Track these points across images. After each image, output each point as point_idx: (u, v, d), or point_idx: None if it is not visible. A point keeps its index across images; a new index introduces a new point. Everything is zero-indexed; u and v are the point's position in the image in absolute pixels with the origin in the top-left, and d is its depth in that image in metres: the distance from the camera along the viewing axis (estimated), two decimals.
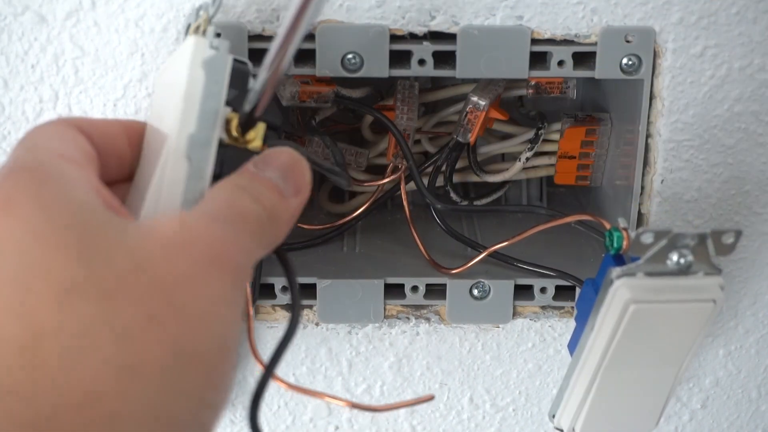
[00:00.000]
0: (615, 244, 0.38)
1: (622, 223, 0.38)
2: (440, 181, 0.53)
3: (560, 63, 0.44)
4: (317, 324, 0.50)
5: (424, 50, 0.43)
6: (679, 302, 0.38)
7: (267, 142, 0.32)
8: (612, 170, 0.52)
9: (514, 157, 0.54)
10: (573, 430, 0.42)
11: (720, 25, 0.43)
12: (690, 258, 0.37)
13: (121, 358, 0.24)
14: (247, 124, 0.32)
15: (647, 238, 0.37)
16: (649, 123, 0.46)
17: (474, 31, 0.43)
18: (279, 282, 0.48)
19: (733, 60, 0.44)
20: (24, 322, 0.24)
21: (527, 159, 0.53)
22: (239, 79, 0.32)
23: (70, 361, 0.24)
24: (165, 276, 0.26)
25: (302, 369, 0.51)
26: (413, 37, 0.44)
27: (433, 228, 0.52)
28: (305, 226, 0.53)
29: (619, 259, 0.39)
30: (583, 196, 0.58)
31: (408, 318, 0.50)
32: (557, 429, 0.43)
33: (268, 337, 0.50)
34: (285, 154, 0.32)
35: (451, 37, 0.43)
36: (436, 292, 0.49)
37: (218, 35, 0.40)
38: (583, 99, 0.57)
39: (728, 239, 0.38)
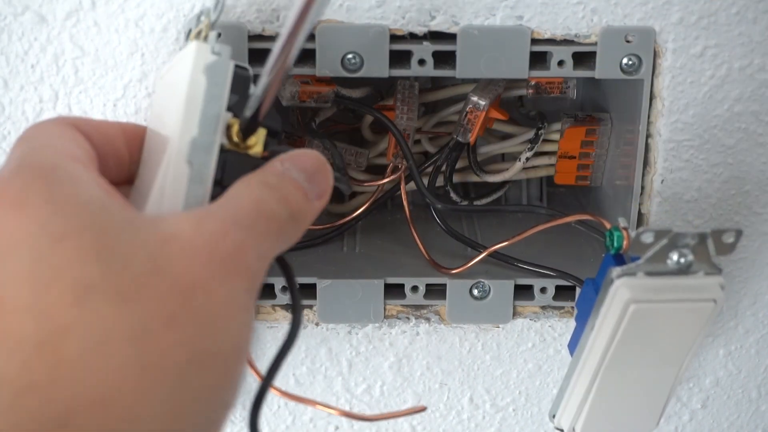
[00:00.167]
0: (615, 244, 0.38)
1: (622, 222, 0.38)
2: (440, 181, 0.53)
3: (560, 63, 0.44)
4: (317, 324, 0.50)
5: (424, 50, 0.43)
6: (680, 302, 0.38)
7: (267, 147, 0.33)
8: (612, 170, 0.52)
9: (514, 157, 0.54)
10: (573, 430, 0.42)
11: (720, 25, 0.43)
12: (690, 257, 0.37)
13: (140, 358, 0.24)
14: (247, 130, 0.32)
15: (647, 238, 0.37)
16: (649, 123, 0.46)
17: (474, 31, 0.43)
18: (279, 282, 0.48)
19: (733, 60, 0.44)
20: (42, 320, 0.24)
21: (527, 159, 0.53)
22: (240, 84, 0.32)
23: (89, 360, 0.24)
24: (182, 278, 0.26)
25: (302, 369, 0.51)
26: (413, 37, 0.44)
27: (433, 228, 0.52)
28: None
29: (619, 259, 0.39)
30: (583, 196, 0.58)
31: (408, 318, 0.50)
32: (557, 429, 0.43)
33: (268, 337, 0.50)
34: (312, 157, 0.32)
35: (451, 37, 0.43)
36: (436, 292, 0.49)
37: (219, 35, 0.40)
38: (583, 99, 0.57)
39: (729, 239, 0.37)
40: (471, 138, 0.51)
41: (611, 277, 0.38)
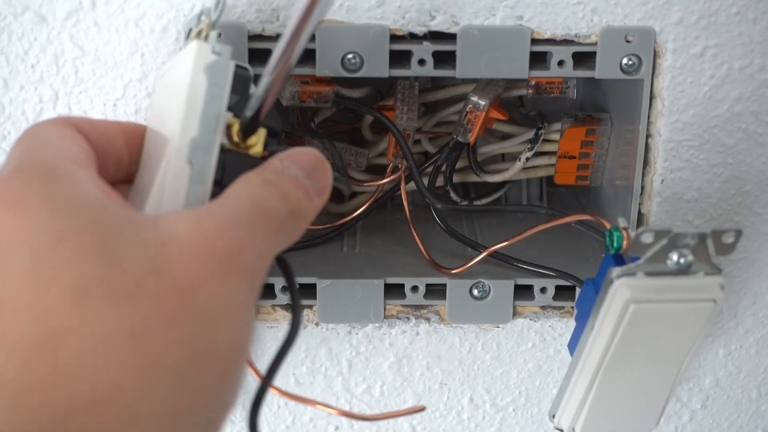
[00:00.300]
0: (615, 244, 0.38)
1: (622, 222, 0.38)
2: (440, 181, 0.53)
3: (560, 63, 0.44)
4: (317, 324, 0.50)
5: (424, 50, 0.43)
6: (680, 302, 0.38)
7: (267, 147, 0.33)
8: (612, 170, 0.52)
9: (514, 157, 0.54)
10: (573, 430, 0.42)
11: (720, 25, 0.43)
12: (690, 258, 0.37)
13: (139, 358, 0.24)
14: (248, 130, 0.32)
15: (647, 238, 0.37)
16: (649, 123, 0.46)
17: (474, 31, 0.43)
18: (279, 282, 0.48)
19: (733, 60, 0.44)
20: (42, 321, 0.24)
21: (527, 159, 0.53)
22: (240, 84, 0.32)
23: (88, 360, 0.24)
24: (182, 278, 0.26)
25: (302, 369, 0.51)
26: (413, 37, 0.44)
27: (433, 228, 0.52)
28: None
29: (619, 259, 0.39)
30: (583, 196, 0.58)
31: (408, 318, 0.50)
32: (557, 429, 0.43)
33: (268, 337, 0.50)
34: (310, 154, 0.32)
35: (451, 37, 0.43)
36: (436, 292, 0.49)
37: (219, 35, 0.40)
38: (583, 99, 0.57)
39: (728, 239, 0.37)
40: (471, 138, 0.51)
41: (611, 277, 0.38)
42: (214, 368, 0.26)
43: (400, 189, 0.52)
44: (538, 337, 0.51)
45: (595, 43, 0.44)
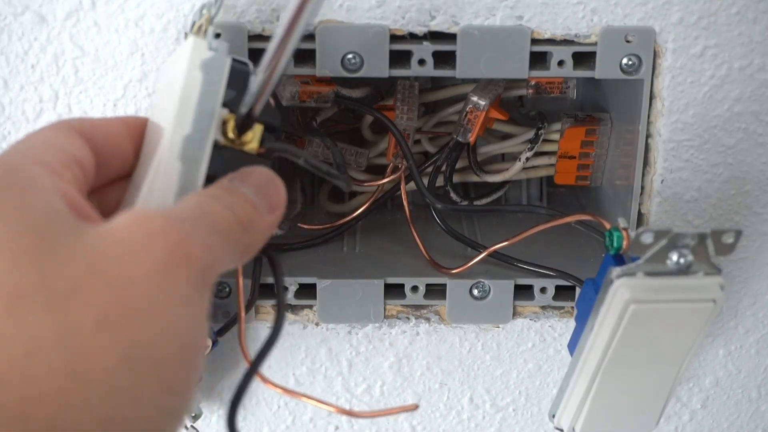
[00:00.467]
0: (615, 244, 0.38)
1: (622, 223, 0.38)
2: (440, 181, 0.53)
3: (560, 63, 0.44)
4: (317, 324, 0.50)
5: (424, 50, 0.43)
6: (679, 302, 0.38)
7: (264, 144, 0.32)
8: (612, 170, 0.52)
9: (514, 157, 0.54)
10: (573, 430, 0.42)
11: (720, 25, 0.43)
12: (690, 258, 0.37)
13: (66, 364, 0.24)
14: (244, 126, 0.32)
15: (647, 238, 0.37)
16: (649, 123, 0.46)
17: (474, 31, 0.43)
18: None
19: (733, 60, 0.44)
20: None
21: (527, 159, 0.53)
22: (239, 79, 0.32)
23: (16, 370, 0.23)
24: (119, 276, 0.25)
25: (302, 369, 0.51)
26: (413, 37, 0.44)
27: (433, 228, 0.52)
28: (305, 226, 0.53)
29: (619, 259, 0.39)
30: (583, 196, 0.58)
31: (408, 318, 0.50)
32: (557, 429, 0.43)
33: None
34: (259, 172, 0.32)
35: (451, 37, 0.43)
36: (436, 292, 0.49)
37: (218, 36, 0.40)
38: (583, 99, 0.57)
39: (728, 239, 0.37)
40: (471, 138, 0.50)
41: (611, 277, 0.38)
42: (151, 373, 0.25)
43: (400, 189, 0.52)
44: (538, 337, 0.51)
45: (595, 43, 0.44)
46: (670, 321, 0.38)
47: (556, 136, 0.53)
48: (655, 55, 0.44)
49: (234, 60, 0.32)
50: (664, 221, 0.47)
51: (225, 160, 0.32)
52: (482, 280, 0.48)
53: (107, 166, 0.32)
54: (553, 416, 0.43)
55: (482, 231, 0.55)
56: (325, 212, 0.56)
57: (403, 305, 0.49)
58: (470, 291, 0.48)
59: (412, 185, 0.52)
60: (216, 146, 0.32)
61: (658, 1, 0.43)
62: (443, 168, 0.53)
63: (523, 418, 0.54)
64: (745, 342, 0.52)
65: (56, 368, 0.23)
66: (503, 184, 0.56)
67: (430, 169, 0.53)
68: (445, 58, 0.44)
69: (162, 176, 0.31)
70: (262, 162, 0.32)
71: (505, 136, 0.55)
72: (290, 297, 0.48)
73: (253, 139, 0.32)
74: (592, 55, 0.44)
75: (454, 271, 0.49)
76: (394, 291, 0.49)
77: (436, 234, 0.52)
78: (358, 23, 0.43)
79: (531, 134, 0.53)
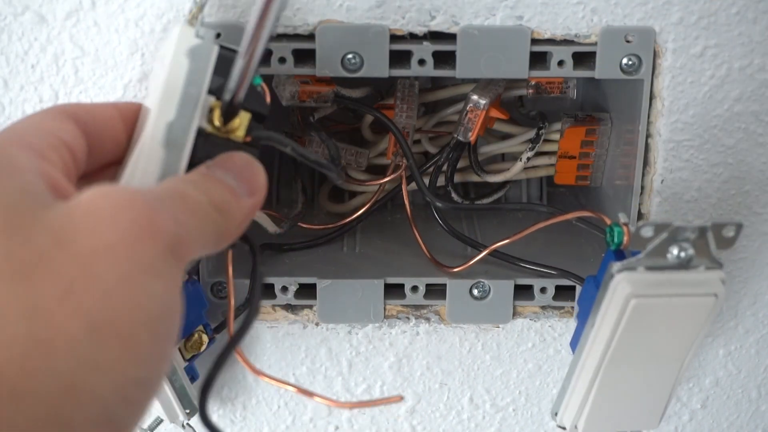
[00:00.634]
0: (616, 239, 0.38)
1: (622, 218, 0.38)
2: (441, 181, 0.53)
3: (560, 63, 0.44)
4: (317, 324, 0.50)
5: (424, 50, 0.43)
6: (680, 296, 0.38)
7: (251, 132, 0.32)
8: (612, 170, 0.52)
9: (514, 157, 0.54)
10: (575, 427, 0.42)
11: (720, 25, 0.43)
12: (690, 252, 0.37)
13: (32, 334, 0.24)
14: (230, 113, 0.32)
15: (647, 232, 0.37)
16: (649, 123, 0.46)
17: (474, 31, 0.43)
18: (279, 282, 0.48)
19: (733, 60, 0.44)
20: None
21: (528, 159, 0.53)
22: (226, 66, 0.32)
23: None
24: (85, 247, 0.25)
25: (302, 369, 0.51)
26: (413, 37, 0.44)
27: (432, 228, 0.52)
28: (305, 226, 0.53)
29: (619, 255, 0.39)
30: (583, 196, 0.58)
31: (408, 318, 0.50)
32: (559, 427, 0.43)
33: (268, 336, 0.50)
34: (237, 157, 0.32)
35: (451, 37, 0.43)
36: (436, 292, 0.49)
37: (219, 35, 0.40)
38: (583, 99, 0.57)
39: (729, 232, 0.37)
40: (472, 137, 0.50)
41: (611, 272, 0.38)
42: (115, 342, 0.25)
43: (400, 190, 0.52)
44: (538, 337, 0.51)
45: (595, 43, 0.44)
46: (672, 315, 0.38)
47: (556, 136, 0.53)
48: (655, 55, 0.44)
49: (222, 47, 0.32)
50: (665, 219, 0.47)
51: (211, 148, 0.32)
52: (482, 280, 0.48)
53: (99, 150, 0.32)
54: (556, 414, 0.43)
55: (482, 231, 0.55)
56: (325, 212, 0.56)
57: (403, 305, 0.49)
58: (470, 291, 0.48)
59: (412, 185, 0.52)
60: (202, 134, 0.32)
61: (658, 1, 0.43)
62: (444, 167, 0.53)
63: (523, 418, 0.54)
64: (745, 342, 0.52)
65: (20, 337, 0.24)
66: (504, 184, 0.56)
67: (431, 169, 0.53)
68: (445, 58, 0.44)
69: (144, 161, 0.31)
70: (248, 150, 0.32)
71: (506, 136, 0.55)
72: (290, 297, 0.48)
73: (239, 126, 0.32)
74: (592, 55, 0.44)
75: (454, 270, 0.49)
76: (394, 291, 0.49)
77: (436, 234, 0.52)
78: (358, 23, 0.43)
79: (531, 134, 0.53)
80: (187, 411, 0.46)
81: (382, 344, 0.51)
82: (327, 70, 0.43)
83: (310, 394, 0.37)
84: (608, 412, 0.41)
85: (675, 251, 0.37)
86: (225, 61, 0.32)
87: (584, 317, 0.40)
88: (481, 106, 0.50)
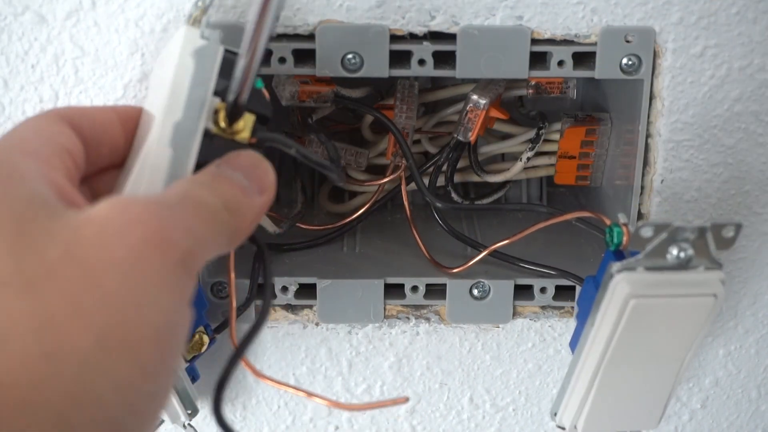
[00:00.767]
0: (615, 240, 0.38)
1: (622, 218, 0.38)
2: (441, 181, 0.53)
3: (560, 63, 0.44)
4: (317, 324, 0.50)
5: (424, 50, 0.43)
6: (680, 296, 0.38)
7: (256, 134, 0.33)
8: (612, 170, 0.52)
9: (514, 157, 0.54)
10: (575, 427, 0.42)
11: (720, 25, 0.43)
12: (690, 252, 0.37)
13: (41, 347, 0.24)
14: (234, 115, 0.32)
15: (647, 232, 0.37)
16: (649, 123, 0.46)
17: (474, 31, 0.43)
18: (279, 282, 0.48)
19: (733, 60, 0.44)
20: None
21: (528, 159, 0.53)
22: (230, 69, 0.32)
23: None
24: (96, 261, 0.25)
25: (302, 369, 0.51)
26: (413, 37, 0.44)
27: (432, 228, 0.52)
28: (305, 226, 0.53)
29: (619, 255, 0.39)
30: (583, 196, 0.58)
31: (408, 318, 0.50)
32: (559, 427, 0.43)
33: (269, 336, 0.50)
34: (246, 155, 0.32)
35: (451, 37, 0.43)
36: (436, 292, 0.49)
37: (215, 30, 0.40)
38: (583, 99, 0.57)
39: (728, 233, 0.37)
40: (471, 137, 0.50)
41: (611, 272, 0.38)
42: (128, 356, 0.25)
43: (400, 190, 0.52)
44: (538, 337, 0.51)
45: (595, 43, 0.44)
46: (671, 316, 0.38)
47: (556, 136, 0.53)
48: (655, 55, 0.44)
49: (227, 50, 0.32)
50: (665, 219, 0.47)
51: (216, 149, 0.32)
52: (482, 280, 0.48)
53: (97, 153, 0.32)
54: (555, 414, 0.43)
55: (482, 231, 0.55)
56: (325, 212, 0.56)
57: (403, 305, 0.49)
58: (470, 291, 0.48)
59: (412, 185, 0.52)
60: (207, 135, 0.32)
61: (658, 1, 0.43)
62: (444, 168, 0.53)
63: (523, 418, 0.54)
64: (745, 342, 0.52)
65: (30, 351, 0.24)
66: (504, 184, 0.56)
67: (431, 169, 0.53)
68: (445, 58, 0.44)
69: (151, 163, 0.31)
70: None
71: (506, 136, 0.55)
72: (290, 297, 0.48)
73: (244, 128, 0.32)
74: (592, 55, 0.44)
75: (454, 270, 0.49)
76: (394, 291, 0.49)
77: (436, 234, 0.52)
78: (358, 23, 0.43)
79: (531, 134, 0.53)
80: (189, 411, 0.46)
81: (382, 344, 0.51)
82: (327, 70, 0.43)
83: (327, 401, 0.38)
84: (607, 412, 0.41)
85: (674, 251, 0.37)
86: (229, 64, 0.32)
87: (583, 317, 0.40)
88: (481, 106, 0.50)
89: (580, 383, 0.41)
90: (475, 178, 0.55)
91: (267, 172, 0.32)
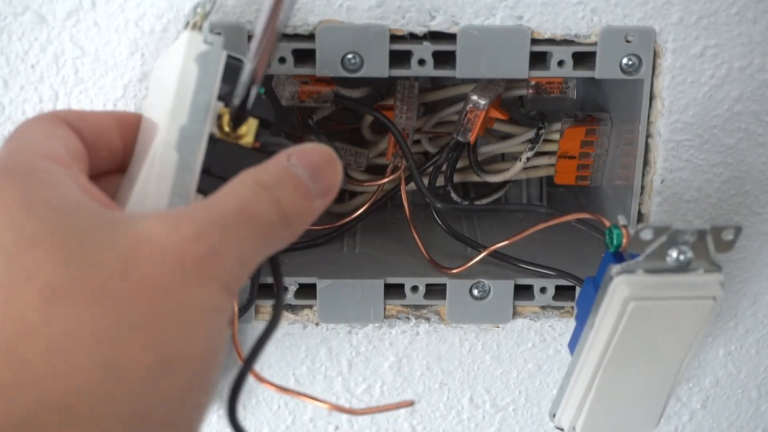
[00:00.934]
0: (615, 242, 0.38)
1: (621, 220, 0.38)
2: (440, 181, 0.53)
3: (560, 63, 0.44)
4: (317, 324, 0.50)
5: (424, 50, 0.43)
6: (679, 299, 0.38)
7: (259, 138, 0.33)
8: (612, 170, 0.52)
9: (514, 157, 0.54)
10: (573, 429, 0.42)
11: (720, 25, 0.43)
12: (689, 254, 0.37)
13: (104, 360, 0.24)
14: (238, 119, 0.32)
15: (646, 235, 0.37)
16: (649, 123, 0.46)
17: (474, 31, 0.43)
18: None
19: (733, 60, 0.44)
20: (11, 323, 0.24)
21: (528, 159, 0.53)
22: (233, 74, 0.32)
23: (54, 361, 0.24)
24: (152, 282, 0.26)
25: (302, 369, 0.51)
26: (413, 37, 0.44)
27: (433, 228, 0.52)
28: None
29: (618, 257, 0.39)
30: (583, 196, 0.58)
31: (408, 318, 0.50)
32: (558, 428, 0.43)
33: None
34: (321, 152, 0.31)
35: (451, 37, 0.43)
36: (436, 292, 0.49)
37: (218, 34, 0.40)
38: (583, 99, 0.57)
39: (728, 235, 0.37)
40: (471, 137, 0.50)
41: (610, 274, 0.38)
42: (183, 372, 0.26)
43: (400, 189, 0.52)
44: (538, 337, 0.51)
45: (595, 43, 0.44)
46: (670, 318, 0.38)
47: (556, 136, 0.53)
48: (655, 55, 0.44)
49: (229, 56, 0.32)
50: (664, 221, 0.47)
51: (220, 154, 0.32)
52: (482, 280, 0.48)
53: (96, 157, 0.32)
54: (554, 415, 0.43)
55: (482, 231, 0.55)
56: (325, 212, 0.56)
57: (403, 305, 0.49)
58: (470, 291, 0.48)
59: (412, 185, 0.52)
60: (212, 139, 0.32)
61: (658, 1, 0.43)
62: (444, 168, 0.53)
63: (523, 418, 0.54)
64: (745, 342, 0.52)
65: (94, 363, 0.24)
66: (504, 184, 0.56)
67: (430, 169, 0.53)
68: (445, 58, 0.44)
69: (158, 167, 0.31)
70: (257, 156, 0.32)
71: (506, 136, 0.55)
72: (290, 297, 0.48)
73: (248, 132, 0.32)
74: (592, 55, 0.44)
75: (454, 271, 0.49)
76: (394, 291, 0.49)
77: (436, 234, 0.52)
78: (358, 23, 0.43)
79: (531, 134, 0.53)
80: None
81: (382, 344, 0.51)
82: (327, 70, 0.43)
83: (326, 403, 0.38)
84: (606, 414, 0.41)
85: (674, 254, 0.37)
86: (231, 69, 0.32)
87: (583, 319, 0.40)
88: (481, 107, 0.50)
89: (579, 385, 0.41)
90: (475, 178, 0.55)
91: (337, 173, 0.31)
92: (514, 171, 0.54)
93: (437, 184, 0.53)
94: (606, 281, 0.38)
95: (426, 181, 0.52)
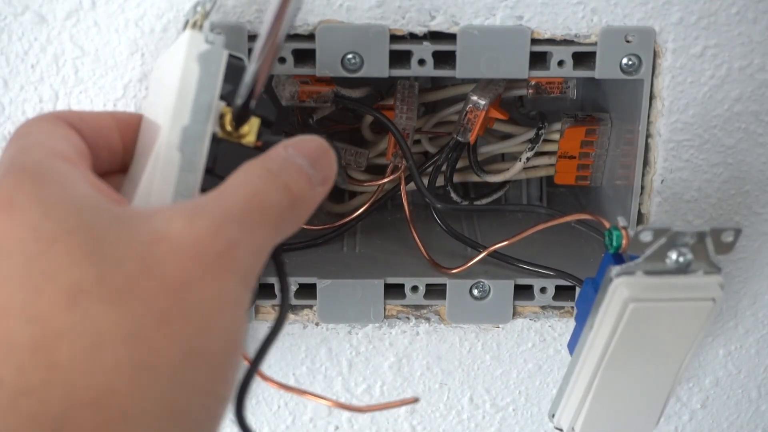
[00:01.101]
0: (614, 243, 0.38)
1: (621, 221, 0.38)
2: (440, 181, 0.53)
3: (560, 63, 0.44)
4: (317, 324, 0.50)
5: (424, 50, 0.43)
6: (679, 301, 0.38)
7: (261, 137, 0.33)
8: (612, 170, 0.52)
9: (514, 157, 0.54)
10: (573, 429, 0.42)
11: (720, 25, 0.43)
12: (689, 256, 0.37)
13: (133, 357, 0.25)
14: (240, 119, 0.32)
15: (646, 236, 0.37)
16: (649, 123, 0.46)
17: (474, 31, 0.43)
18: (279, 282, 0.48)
19: (733, 60, 0.44)
20: (36, 324, 0.24)
21: (528, 159, 0.53)
22: (234, 74, 0.32)
23: (83, 361, 0.24)
24: (173, 278, 0.26)
25: (302, 369, 0.51)
26: (413, 37, 0.44)
27: (433, 228, 0.52)
28: (305, 226, 0.53)
29: (618, 258, 0.39)
30: (583, 196, 0.58)
31: (408, 318, 0.50)
32: (557, 429, 0.43)
33: None
34: (315, 142, 0.32)
35: (451, 37, 0.43)
36: (436, 292, 0.49)
37: (219, 34, 0.40)
38: (583, 99, 0.57)
39: (728, 237, 0.37)
40: (471, 137, 0.51)
41: (610, 275, 0.38)
42: (209, 365, 0.26)
43: (400, 189, 0.52)
44: (538, 337, 0.51)
45: (595, 43, 0.44)
46: (670, 320, 0.38)
47: (556, 136, 0.53)
48: (655, 55, 0.44)
49: (230, 55, 0.32)
50: (664, 221, 0.47)
51: (223, 153, 0.32)
52: (482, 280, 0.48)
53: (98, 158, 0.32)
54: (553, 416, 0.43)
55: (482, 231, 0.55)
56: (325, 212, 0.56)
57: (403, 305, 0.49)
58: (470, 291, 0.48)
59: (412, 185, 0.52)
60: (214, 139, 0.32)
61: (658, 1, 0.43)
62: (443, 168, 0.53)
63: (523, 418, 0.54)
64: (745, 342, 0.52)
65: (123, 360, 0.25)
66: (503, 184, 0.56)
67: (430, 169, 0.53)
68: (445, 58, 0.44)
69: (161, 167, 0.31)
70: (259, 155, 0.32)
71: (505, 136, 0.55)
72: (290, 297, 0.48)
73: (250, 132, 0.32)
74: (592, 55, 0.44)
75: (453, 271, 0.49)
76: (394, 291, 0.49)
77: (436, 234, 0.52)
78: (358, 23, 0.43)
79: (531, 134, 0.53)
80: None
81: (382, 344, 0.51)
82: (327, 70, 0.43)
83: (329, 400, 0.38)
84: (605, 414, 0.41)
85: (674, 256, 0.37)
86: (233, 69, 0.32)
87: (582, 319, 0.40)
88: (481, 107, 0.50)
89: (578, 385, 0.41)
90: (475, 178, 0.55)
91: (332, 162, 0.32)
92: (514, 171, 0.54)
93: (437, 184, 0.53)
94: (605, 282, 0.38)
95: (426, 181, 0.52)
